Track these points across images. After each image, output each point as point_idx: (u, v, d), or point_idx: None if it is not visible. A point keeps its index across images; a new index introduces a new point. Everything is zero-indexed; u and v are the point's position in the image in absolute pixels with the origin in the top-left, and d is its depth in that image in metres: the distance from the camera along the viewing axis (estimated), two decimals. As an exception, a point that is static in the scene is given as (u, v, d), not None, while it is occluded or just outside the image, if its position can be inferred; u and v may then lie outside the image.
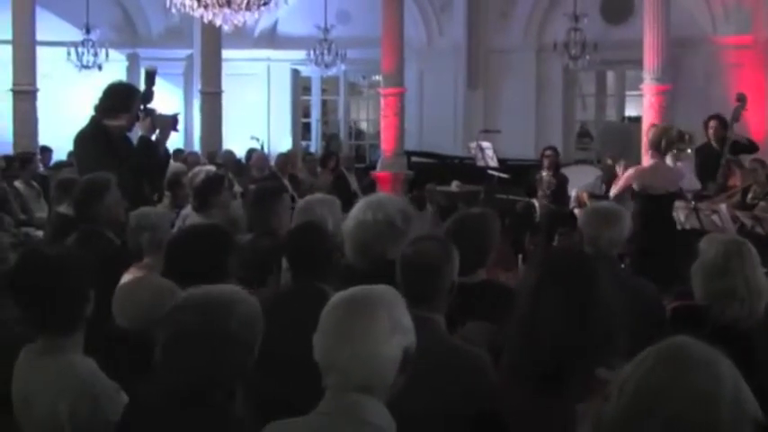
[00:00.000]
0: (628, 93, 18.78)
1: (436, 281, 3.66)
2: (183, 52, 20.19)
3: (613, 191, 8.80)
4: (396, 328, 2.71)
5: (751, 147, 11.86)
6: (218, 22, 12.39)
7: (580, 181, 13.51)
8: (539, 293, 3.22)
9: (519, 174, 14.54)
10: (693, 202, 9.57)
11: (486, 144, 14.72)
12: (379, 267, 4.14)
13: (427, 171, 16.84)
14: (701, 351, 2.17)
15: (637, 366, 2.19)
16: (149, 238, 5.42)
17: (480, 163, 14.73)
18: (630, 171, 8.78)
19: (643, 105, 14.72)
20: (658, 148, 8.75)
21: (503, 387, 3.27)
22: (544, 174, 13.38)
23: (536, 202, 13.25)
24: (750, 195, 11.10)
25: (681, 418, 2.08)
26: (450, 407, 3.34)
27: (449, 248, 3.76)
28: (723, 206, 9.60)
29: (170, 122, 7.31)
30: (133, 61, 19.84)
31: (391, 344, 2.69)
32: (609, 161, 13.02)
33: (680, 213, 9.41)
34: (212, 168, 10.03)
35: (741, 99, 11.46)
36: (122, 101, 7.17)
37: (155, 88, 7.48)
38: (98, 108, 7.15)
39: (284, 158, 14.98)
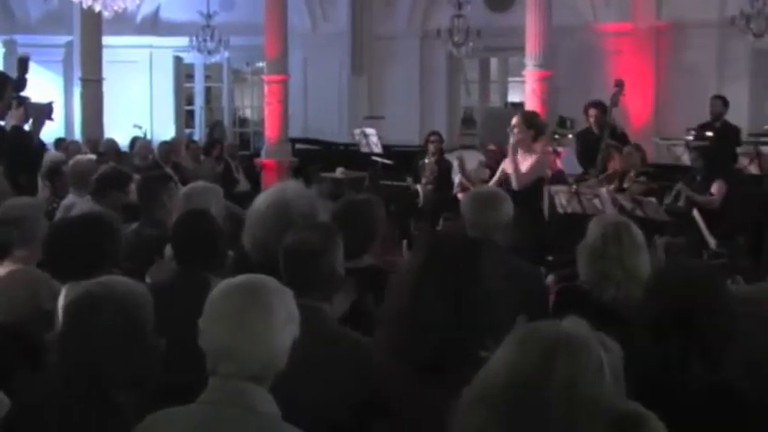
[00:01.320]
0: (511, 79, 18.99)
1: (319, 269, 3.66)
2: (63, 39, 19.74)
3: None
4: (289, 317, 2.72)
5: (624, 139, 12.15)
6: (97, 8, 12.19)
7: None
8: (422, 277, 3.23)
9: (403, 160, 14.64)
10: (575, 186, 9.76)
11: (370, 130, 14.77)
12: (277, 263, 4.11)
13: (312, 158, 16.85)
14: (566, 333, 2.23)
15: (505, 352, 2.24)
16: (19, 230, 5.26)
17: (365, 149, 14.78)
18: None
19: (525, 91, 14.92)
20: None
21: (388, 372, 3.28)
22: (429, 158, 13.48)
23: (420, 188, 13.35)
24: (627, 178, 11.38)
25: (551, 399, 2.14)
26: (336, 394, 3.34)
27: (330, 236, 3.77)
28: (603, 190, 9.81)
29: (44, 111, 7.16)
30: (10, 48, 19.29)
31: (285, 333, 2.70)
32: (491, 147, 13.21)
33: (561, 197, 9.59)
34: (93, 157, 9.87)
35: (619, 85, 11.71)
36: (-8, 89, 6.99)
37: (28, 75, 7.32)
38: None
39: (167, 147, 14.82)
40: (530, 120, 8.66)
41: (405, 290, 3.26)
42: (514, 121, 8.62)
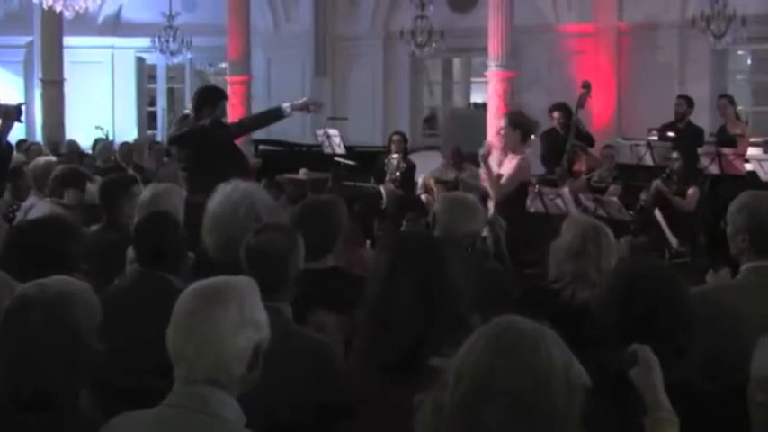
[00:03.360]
0: (474, 80, 19.02)
1: (282, 270, 3.65)
2: (23, 39, 19.58)
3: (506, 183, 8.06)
4: (246, 321, 2.66)
5: (589, 140, 12.21)
6: (58, 8, 12.10)
7: (427, 167, 13.68)
8: (390, 278, 3.23)
9: (366, 160, 14.62)
10: (537, 187, 9.79)
11: (333, 131, 14.73)
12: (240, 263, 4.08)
13: (275, 159, 16.79)
14: (528, 328, 2.23)
15: (469, 350, 2.24)
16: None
17: (327, 150, 14.74)
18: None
19: (488, 92, 14.95)
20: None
21: (353, 374, 3.27)
22: (393, 159, 13.48)
23: (383, 189, 13.33)
24: (594, 179, 11.45)
25: (518, 395, 2.14)
26: (297, 395, 3.34)
27: (293, 237, 3.76)
28: (566, 190, 9.86)
29: (13, 113, 7.09)
30: (-30, 49, 19.19)
31: (238, 337, 2.64)
32: (448, 153, 13.23)
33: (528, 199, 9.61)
34: (53, 159, 9.79)
35: (586, 86, 11.77)
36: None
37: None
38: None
39: (127, 148, 14.73)
40: (516, 120, 8.24)
41: (372, 290, 3.26)
42: (501, 123, 8.35)
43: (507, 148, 8.06)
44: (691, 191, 10.80)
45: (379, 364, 3.14)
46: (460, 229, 5.02)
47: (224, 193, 4.74)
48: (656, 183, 10.87)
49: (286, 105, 8.63)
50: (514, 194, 8.01)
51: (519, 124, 8.12)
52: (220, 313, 2.64)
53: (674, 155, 11.19)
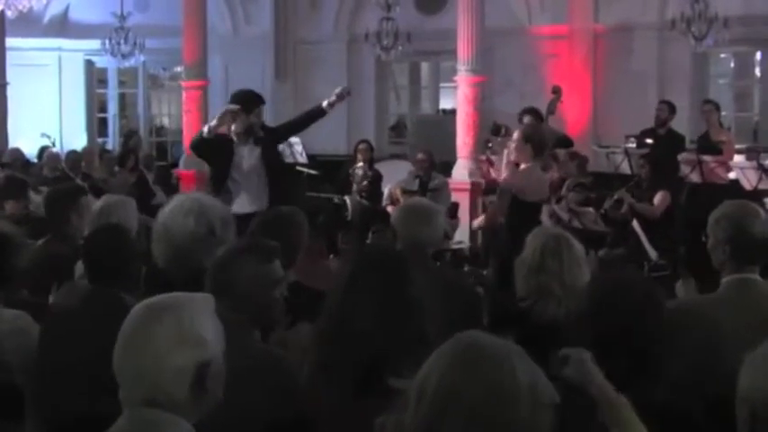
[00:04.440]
0: (442, 85, 19.07)
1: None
2: (-36, 41, 19.47)
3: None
4: (185, 338, 2.63)
5: (566, 141, 12.26)
6: (0, 7, 12.02)
7: (394, 177, 13.70)
8: (350, 291, 3.25)
9: (330, 170, 14.62)
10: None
11: (295, 139, 14.69)
12: (193, 276, 4.08)
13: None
14: (491, 344, 2.25)
15: (431, 367, 2.26)
16: None
17: (289, 159, 14.73)
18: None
19: (458, 97, 14.98)
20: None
21: (314, 389, 3.28)
22: (359, 168, 13.50)
23: (348, 200, 13.34)
24: (564, 187, 11.51)
25: (481, 413, 2.16)
26: (254, 411, 3.35)
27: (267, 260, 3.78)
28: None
29: None
30: None
31: (175, 356, 2.60)
32: (420, 155, 13.27)
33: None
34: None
35: (556, 91, 11.83)
36: None
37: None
38: None
39: (76, 156, 14.65)
40: (528, 135, 8.39)
41: (332, 305, 3.27)
42: (515, 135, 8.50)
43: (520, 161, 8.26)
44: (658, 196, 10.84)
45: (341, 378, 3.15)
46: (420, 238, 5.05)
47: (176, 202, 4.72)
48: (620, 192, 10.94)
49: (325, 104, 9.35)
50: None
51: (530, 138, 8.26)
52: (156, 330, 2.62)
53: (641, 161, 11.28)
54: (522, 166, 8.19)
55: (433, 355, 2.28)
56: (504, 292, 5.18)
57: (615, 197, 10.92)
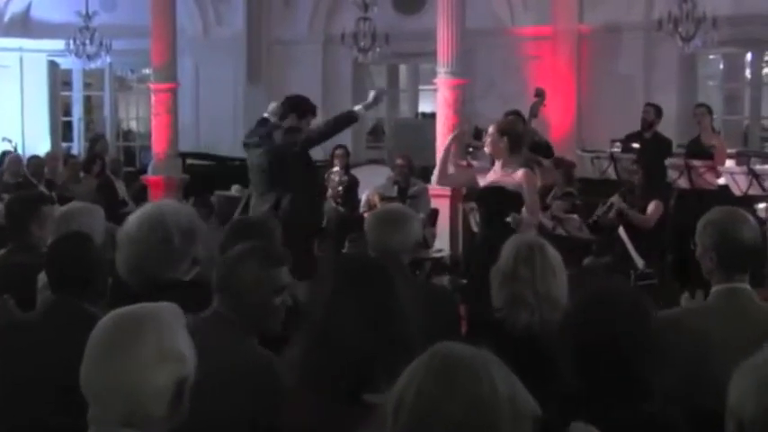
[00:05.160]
0: (422, 87, 19.11)
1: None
2: None
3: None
4: (166, 355, 2.60)
5: (547, 151, 12.27)
6: (-40, 7, 11.98)
7: (371, 182, 13.70)
8: (333, 302, 3.30)
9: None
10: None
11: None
12: (152, 288, 4.08)
13: (205, 174, 16.71)
14: (469, 355, 2.26)
15: (409, 379, 2.26)
16: None
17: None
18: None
19: (437, 100, 14.98)
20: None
21: (298, 398, 3.30)
22: (334, 174, 13.50)
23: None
24: (550, 196, 11.52)
25: (460, 426, 2.16)
26: (235, 412, 3.39)
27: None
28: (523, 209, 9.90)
29: None
30: None
31: (156, 373, 2.58)
32: (399, 160, 13.28)
33: (477, 215, 9.66)
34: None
35: (539, 94, 11.83)
36: None
37: None
38: None
39: (38, 162, 14.60)
40: (504, 128, 8.29)
41: (316, 317, 3.30)
42: (490, 129, 8.36)
43: (495, 156, 8.16)
44: (651, 206, 10.84)
45: (325, 387, 3.18)
46: (391, 245, 5.04)
47: (139, 211, 4.72)
48: (613, 199, 10.94)
49: (358, 107, 9.30)
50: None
51: (506, 132, 8.18)
52: (136, 346, 2.58)
53: (634, 167, 11.29)
54: (514, 174, 8.01)
55: (411, 365, 2.29)
56: (480, 301, 5.17)
57: (608, 203, 10.91)
